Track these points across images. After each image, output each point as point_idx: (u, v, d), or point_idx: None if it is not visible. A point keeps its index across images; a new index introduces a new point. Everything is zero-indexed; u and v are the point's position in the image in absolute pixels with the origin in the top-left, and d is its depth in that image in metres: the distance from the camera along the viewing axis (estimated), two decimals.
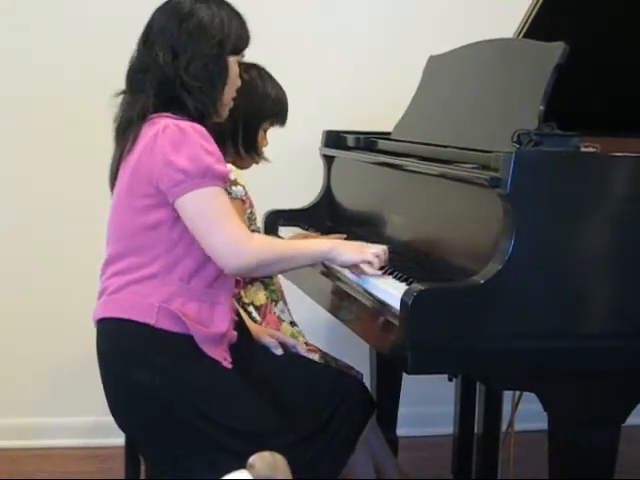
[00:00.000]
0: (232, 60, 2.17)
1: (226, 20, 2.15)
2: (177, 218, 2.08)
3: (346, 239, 2.57)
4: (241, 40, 2.19)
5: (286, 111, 2.62)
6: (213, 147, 2.09)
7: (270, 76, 2.60)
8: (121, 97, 2.19)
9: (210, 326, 2.10)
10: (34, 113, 3.32)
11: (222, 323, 2.13)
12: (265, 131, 2.60)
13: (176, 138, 2.04)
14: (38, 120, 3.33)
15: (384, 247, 2.19)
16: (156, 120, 2.09)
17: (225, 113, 2.22)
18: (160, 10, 2.19)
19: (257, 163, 2.63)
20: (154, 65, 2.12)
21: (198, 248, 2.08)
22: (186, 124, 2.07)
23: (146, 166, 2.07)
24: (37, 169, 3.35)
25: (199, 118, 2.11)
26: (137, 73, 2.16)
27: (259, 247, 2.09)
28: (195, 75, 2.11)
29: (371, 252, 2.15)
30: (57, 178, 3.35)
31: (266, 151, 2.63)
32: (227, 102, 2.21)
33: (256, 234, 2.23)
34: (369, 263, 2.14)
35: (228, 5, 2.20)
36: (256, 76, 2.55)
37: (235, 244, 2.05)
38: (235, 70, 2.19)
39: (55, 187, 3.35)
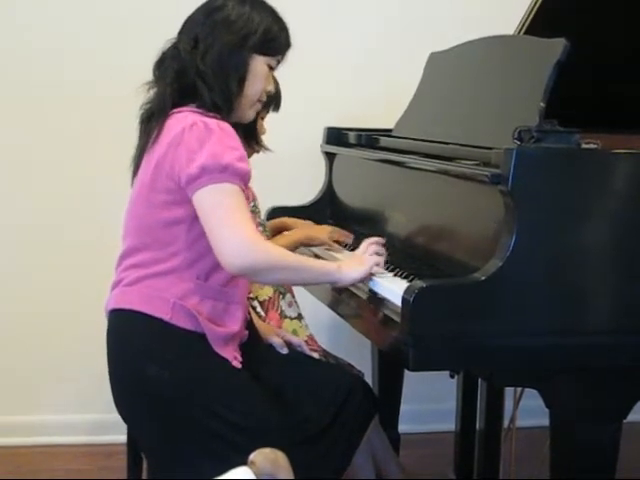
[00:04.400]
0: (259, 59, 2.16)
1: (256, 19, 2.16)
2: (196, 217, 2.05)
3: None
4: (272, 42, 2.18)
5: (280, 96, 2.63)
6: (238, 144, 2.08)
7: None
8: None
9: (223, 325, 2.10)
10: (36, 112, 3.32)
11: (235, 323, 2.12)
12: (262, 119, 2.61)
13: (202, 136, 2.04)
14: (38, 120, 3.33)
15: (377, 239, 2.20)
16: (183, 115, 2.09)
17: (249, 114, 2.22)
18: (197, 7, 2.21)
19: (257, 152, 2.63)
20: (176, 53, 2.15)
21: None
22: (213, 122, 2.06)
23: (170, 161, 2.06)
24: (38, 168, 3.36)
25: (215, 109, 2.10)
26: (161, 62, 2.18)
27: (265, 250, 2.04)
28: (211, 64, 2.11)
29: (372, 261, 2.14)
30: (59, 175, 3.36)
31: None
32: (250, 101, 2.19)
33: (268, 241, 2.20)
34: (377, 265, 2.15)
35: (267, 8, 2.20)
36: None
37: (241, 242, 2.00)
38: (261, 70, 2.17)
39: (57, 186, 3.36)
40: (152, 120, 2.14)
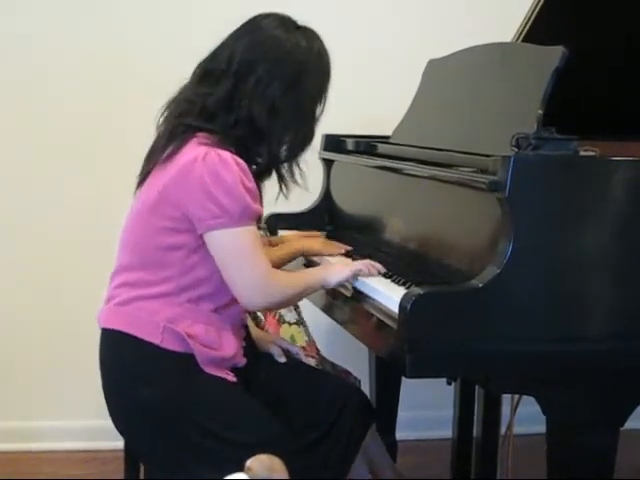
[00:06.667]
0: None
1: (320, 74, 2.19)
2: (198, 246, 2.05)
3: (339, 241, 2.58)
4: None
5: None
6: (252, 184, 2.05)
7: None
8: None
9: (217, 349, 2.09)
10: (36, 118, 3.33)
11: (229, 348, 2.11)
12: None
13: (217, 168, 1.99)
14: (40, 123, 3.33)
15: (369, 261, 2.23)
16: (200, 141, 2.05)
17: None
18: (257, 45, 2.13)
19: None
20: (245, 110, 2.08)
21: (212, 278, 2.07)
22: (228, 155, 2.02)
23: (178, 190, 2.02)
24: (39, 173, 3.36)
25: (251, 162, 2.11)
26: (220, 105, 2.09)
27: (283, 286, 2.12)
28: (285, 149, 2.16)
29: (357, 266, 2.21)
30: (59, 180, 3.36)
31: None
32: None
33: (279, 271, 2.23)
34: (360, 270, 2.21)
35: (323, 49, 2.25)
36: None
37: (259, 285, 2.05)
38: None
39: (57, 190, 3.36)
40: (174, 135, 2.08)
